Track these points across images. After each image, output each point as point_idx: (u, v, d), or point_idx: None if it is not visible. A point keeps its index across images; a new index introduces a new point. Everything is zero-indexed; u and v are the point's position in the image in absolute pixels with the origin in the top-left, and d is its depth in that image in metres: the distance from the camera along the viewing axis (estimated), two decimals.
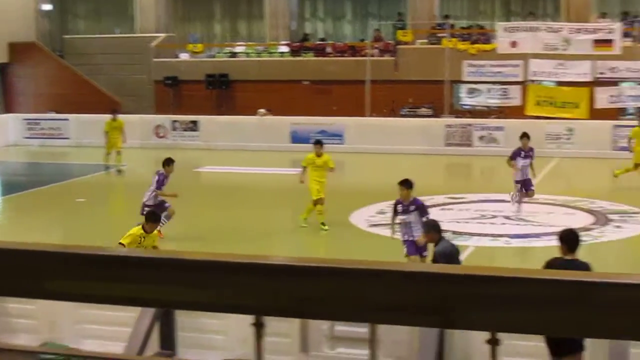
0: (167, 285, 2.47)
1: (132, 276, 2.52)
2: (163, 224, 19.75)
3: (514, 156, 23.82)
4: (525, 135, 24.33)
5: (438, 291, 2.27)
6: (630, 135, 29.31)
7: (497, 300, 2.24)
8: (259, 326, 2.46)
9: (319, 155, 22.79)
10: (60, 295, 2.60)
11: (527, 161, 23.68)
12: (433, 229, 13.84)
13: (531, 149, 24.04)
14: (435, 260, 13.14)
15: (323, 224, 22.29)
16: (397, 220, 17.51)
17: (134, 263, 2.54)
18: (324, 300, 2.35)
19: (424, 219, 16.49)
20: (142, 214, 18.19)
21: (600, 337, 2.28)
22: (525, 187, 23.77)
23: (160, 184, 21.23)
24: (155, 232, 16.29)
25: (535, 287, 2.23)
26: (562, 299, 2.22)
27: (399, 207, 17.30)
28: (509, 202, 25.31)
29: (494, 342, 2.36)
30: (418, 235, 16.71)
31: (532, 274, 2.24)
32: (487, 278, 2.25)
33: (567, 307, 2.23)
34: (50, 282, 2.55)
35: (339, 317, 2.39)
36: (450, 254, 12.93)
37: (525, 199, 23.97)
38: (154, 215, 16.35)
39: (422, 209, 17.21)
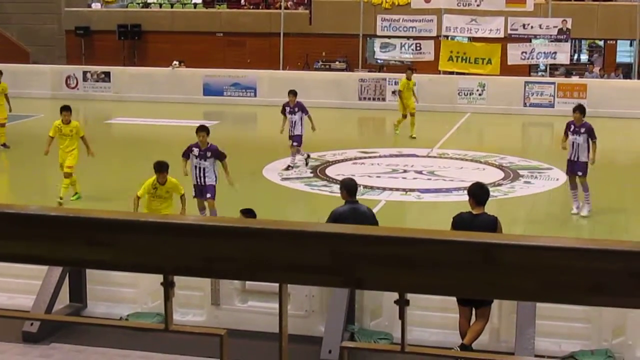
0: (73, 244, 2.43)
1: (37, 234, 2.48)
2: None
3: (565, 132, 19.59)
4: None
5: (346, 252, 2.27)
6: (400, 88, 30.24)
7: (404, 261, 2.25)
8: (167, 285, 2.44)
9: None
10: None
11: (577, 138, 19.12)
12: (343, 188, 13.49)
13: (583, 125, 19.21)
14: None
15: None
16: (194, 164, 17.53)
17: (39, 221, 2.50)
18: (232, 260, 2.34)
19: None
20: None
21: (507, 299, 2.31)
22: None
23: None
24: (172, 180, 15.97)
25: (442, 249, 2.24)
26: (469, 260, 2.24)
27: (195, 151, 17.47)
28: (420, 156, 25.54)
29: (403, 302, 2.37)
30: (210, 180, 17.19)
31: (439, 235, 2.25)
32: (395, 239, 2.25)
33: (474, 269, 2.25)
34: None
35: (247, 277, 2.38)
36: (336, 218, 12.61)
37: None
38: (157, 164, 15.96)
39: (217, 154, 17.40)
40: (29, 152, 26.94)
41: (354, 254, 2.25)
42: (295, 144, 23.53)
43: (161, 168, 15.81)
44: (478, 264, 2.22)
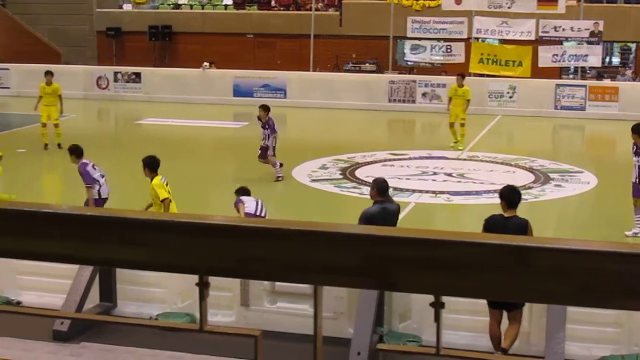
0: (107, 244, 2.45)
1: (72, 233, 2.49)
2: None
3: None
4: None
5: (381, 254, 2.27)
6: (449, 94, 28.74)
7: (439, 263, 2.24)
8: (202, 286, 2.44)
9: None
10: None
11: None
12: (375, 187, 13.53)
13: None
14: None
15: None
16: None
17: (74, 220, 2.51)
18: (267, 261, 2.34)
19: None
20: None
21: (541, 302, 2.30)
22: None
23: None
24: (153, 183, 15.07)
25: (477, 251, 2.24)
26: (503, 263, 2.23)
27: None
28: (450, 159, 25.46)
29: (438, 305, 2.37)
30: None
31: (473, 238, 2.25)
32: (430, 241, 2.25)
33: (508, 272, 2.24)
34: None
35: (282, 279, 2.39)
36: (367, 218, 12.65)
37: None
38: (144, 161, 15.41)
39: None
40: (62, 153, 27.09)
41: (388, 256, 2.24)
42: (261, 156, 22.40)
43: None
44: (512, 267, 2.21)
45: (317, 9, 42.04)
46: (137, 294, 13.09)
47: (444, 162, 25.11)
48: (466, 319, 11.66)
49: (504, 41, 37.31)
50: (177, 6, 46.24)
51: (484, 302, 11.02)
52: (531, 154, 26.37)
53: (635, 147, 17.49)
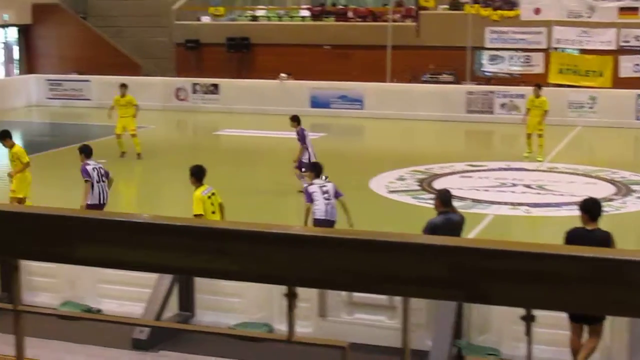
0: (200, 254, 2.45)
1: (157, 243, 2.50)
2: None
3: None
4: None
5: (472, 266, 2.24)
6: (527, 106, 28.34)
7: (531, 276, 2.21)
8: (291, 296, 2.44)
9: None
10: (85, 261, 2.59)
11: None
12: (438, 197, 13.43)
13: None
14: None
15: None
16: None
17: (160, 229, 2.52)
18: (353, 272, 2.32)
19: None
20: None
21: (631, 316, 2.26)
22: None
23: None
24: (198, 192, 14.69)
25: (570, 264, 2.20)
26: (597, 276, 2.19)
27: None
28: (529, 170, 25.21)
29: (529, 318, 2.33)
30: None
31: (566, 251, 2.21)
32: (522, 254, 2.22)
33: (603, 286, 2.20)
34: (75, 248, 2.54)
35: (368, 290, 2.37)
36: (432, 229, 12.60)
37: None
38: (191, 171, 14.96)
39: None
40: (142, 162, 27.36)
41: (479, 268, 2.22)
42: (303, 169, 21.79)
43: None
44: (605, 280, 2.17)
45: (394, 20, 41.98)
46: (215, 304, 13.15)
47: (523, 174, 24.88)
48: (547, 333, 11.50)
49: (583, 51, 36.91)
50: (255, 18, 46.51)
51: (563, 315, 10.88)
52: (612, 166, 25.99)
53: None
